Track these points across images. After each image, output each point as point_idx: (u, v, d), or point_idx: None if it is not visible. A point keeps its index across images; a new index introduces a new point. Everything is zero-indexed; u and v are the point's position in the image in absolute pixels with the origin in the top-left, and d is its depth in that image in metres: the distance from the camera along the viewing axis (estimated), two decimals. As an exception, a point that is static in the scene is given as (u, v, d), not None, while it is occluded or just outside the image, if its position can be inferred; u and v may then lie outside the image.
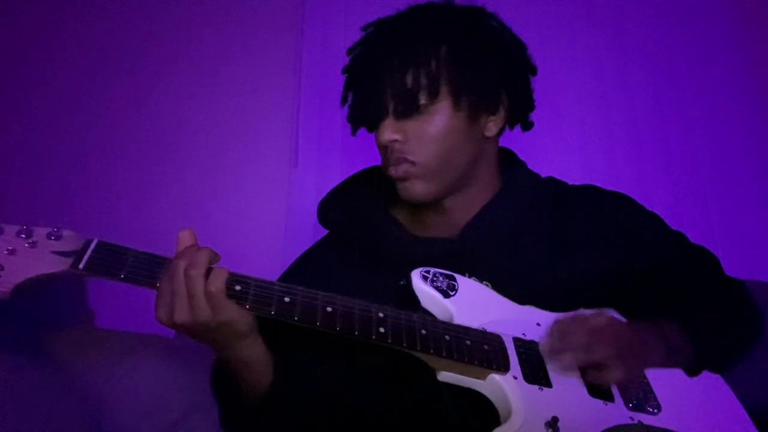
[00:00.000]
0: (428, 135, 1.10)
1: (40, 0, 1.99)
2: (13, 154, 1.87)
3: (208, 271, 0.92)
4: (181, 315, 0.90)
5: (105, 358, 1.48)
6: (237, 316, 0.93)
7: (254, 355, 1.00)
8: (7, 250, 0.87)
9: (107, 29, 2.00)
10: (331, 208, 1.27)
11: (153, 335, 1.53)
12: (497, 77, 1.14)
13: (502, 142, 1.24)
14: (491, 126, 1.16)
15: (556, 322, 1.01)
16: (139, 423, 1.39)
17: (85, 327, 1.72)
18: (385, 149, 1.13)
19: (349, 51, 1.18)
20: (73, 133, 1.92)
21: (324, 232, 1.31)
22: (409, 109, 1.10)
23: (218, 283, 0.91)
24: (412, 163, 1.11)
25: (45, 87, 1.94)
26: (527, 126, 1.23)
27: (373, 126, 1.15)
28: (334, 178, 1.74)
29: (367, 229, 1.20)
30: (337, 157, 1.92)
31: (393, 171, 1.13)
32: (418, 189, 1.13)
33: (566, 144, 1.97)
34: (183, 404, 1.43)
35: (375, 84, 1.11)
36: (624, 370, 0.98)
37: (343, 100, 1.17)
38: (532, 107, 1.22)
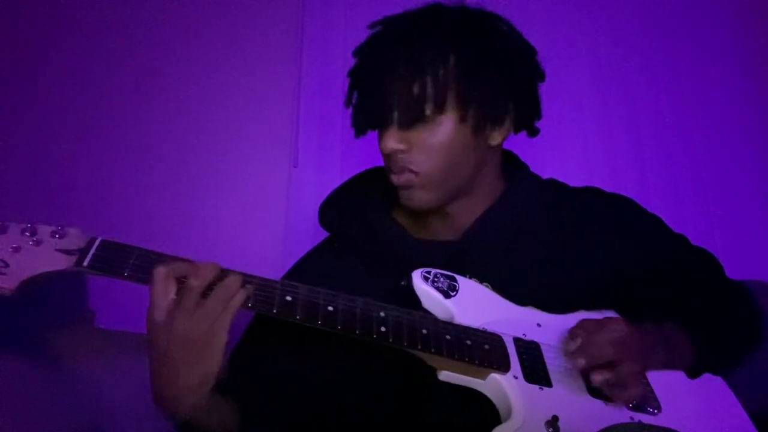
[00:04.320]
0: (432, 146, 1.08)
1: (40, -1, 2.00)
2: (16, 153, 1.87)
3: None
4: (181, 323, 0.88)
5: (105, 358, 1.48)
6: (221, 348, 0.90)
7: (210, 404, 0.95)
8: (12, 247, 0.87)
9: (107, 28, 2.00)
10: (332, 210, 1.26)
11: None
12: (505, 88, 1.11)
13: (504, 143, 1.23)
14: (496, 135, 1.14)
15: (574, 333, 0.99)
16: (139, 423, 1.39)
17: (85, 327, 1.72)
18: (388, 156, 1.12)
19: (355, 52, 1.15)
20: (74, 133, 1.91)
21: (324, 232, 1.31)
22: (413, 119, 1.07)
23: (241, 297, 0.92)
24: (415, 173, 1.10)
25: (47, 86, 1.93)
26: (533, 132, 1.20)
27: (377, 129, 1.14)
28: (334, 178, 1.75)
29: (368, 232, 1.20)
30: (337, 157, 1.92)
31: (395, 179, 1.12)
32: (420, 198, 1.13)
33: (566, 146, 1.97)
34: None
35: (380, 92, 1.08)
36: (643, 386, 0.98)
37: (348, 102, 1.15)
38: (539, 116, 1.19)
